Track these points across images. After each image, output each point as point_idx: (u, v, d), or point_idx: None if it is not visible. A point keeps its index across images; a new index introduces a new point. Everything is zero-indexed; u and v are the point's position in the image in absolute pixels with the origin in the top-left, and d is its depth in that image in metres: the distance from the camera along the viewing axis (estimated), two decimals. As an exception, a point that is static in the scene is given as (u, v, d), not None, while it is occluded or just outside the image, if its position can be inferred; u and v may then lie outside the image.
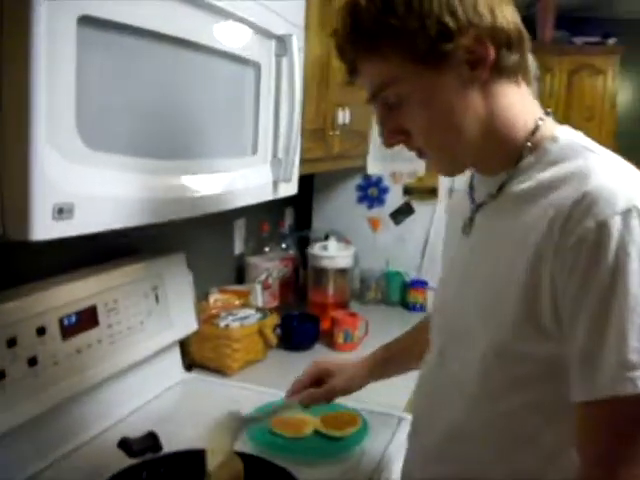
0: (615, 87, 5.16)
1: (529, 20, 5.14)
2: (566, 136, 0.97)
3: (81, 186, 0.89)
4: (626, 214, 0.80)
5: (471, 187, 1.09)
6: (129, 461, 1.28)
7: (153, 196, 1.05)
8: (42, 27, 0.79)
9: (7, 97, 0.80)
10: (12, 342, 1.26)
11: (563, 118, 4.90)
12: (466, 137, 0.95)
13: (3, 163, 0.81)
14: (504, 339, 0.92)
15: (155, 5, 1.00)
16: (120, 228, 0.98)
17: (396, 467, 1.50)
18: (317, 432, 1.55)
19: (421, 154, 1.00)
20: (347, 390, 1.41)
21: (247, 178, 1.37)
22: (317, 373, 1.43)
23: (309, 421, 1.57)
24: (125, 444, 1.30)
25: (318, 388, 1.40)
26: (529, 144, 0.96)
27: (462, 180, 1.16)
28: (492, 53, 0.90)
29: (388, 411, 1.70)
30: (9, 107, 0.80)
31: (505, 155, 0.97)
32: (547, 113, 1.01)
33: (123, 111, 0.99)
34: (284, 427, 1.54)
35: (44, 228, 0.83)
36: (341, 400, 1.56)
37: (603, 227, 0.80)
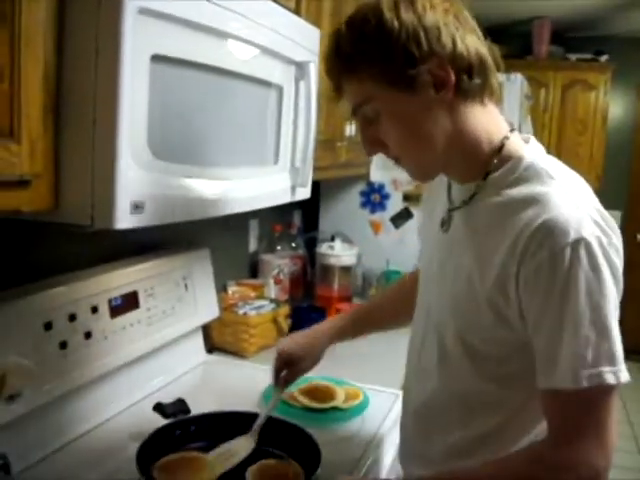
0: (606, 102, 5.41)
1: (526, 36, 5.40)
2: (531, 156, 1.12)
3: (149, 188, 1.13)
4: (574, 245, 0.98)
5: (449, 186, 1.25)
6: (163, 421, 1.50)
7: (200, 196, 1.29)
8: (127, 63, 1.03)
9: (100, 119, 1.04)
10: (72, 317, 1.50)
11: (557, 131, 5.10)
12: (434, 150, 1.10)
13: (94, 169, 1.06)
14: (472, 322, 1.14)
15: (204, 42, 1.25)
16: (176, 221, 1.22)
17: (392, 435, 1.75)
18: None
19: (397, 162, 1.16)
20: (312, 367, 1.61)
21: (270, 183, 1.61)
22: (284, 360, 1.57)
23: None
24: (159, 407, 1.54)
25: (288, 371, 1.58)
26: (495, 161, 1.11)
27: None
28: (453, 78, 1.04)
29: (386, 389, 1.94)
30: (101, 126, 1.04)
31: (472, 168, 1.14)
32: (512, 130, 1.15)
33: (178, 128, 1.24)
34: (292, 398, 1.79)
35: (124, 219, 1.08)
36: (347, 379, 1.82)
37: (556, 256, 0.99)
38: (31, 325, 1.39)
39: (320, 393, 1.80)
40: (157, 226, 1.19)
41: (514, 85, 3.25)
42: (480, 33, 1.10)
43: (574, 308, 0.99)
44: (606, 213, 1.06)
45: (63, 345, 1.46)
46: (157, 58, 1.12)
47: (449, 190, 1.25)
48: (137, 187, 1.10)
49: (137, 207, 1.09)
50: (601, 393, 1.01)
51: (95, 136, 1.05)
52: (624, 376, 1.00)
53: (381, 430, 1.71)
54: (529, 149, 1.15)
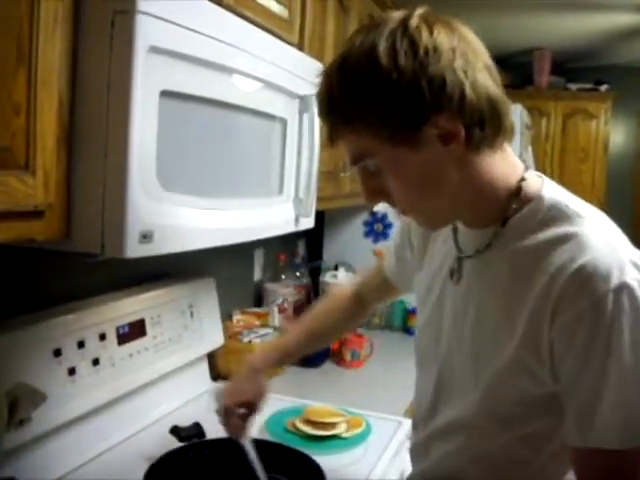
0: (607, 130, 5.47)
1: (526, 67, 5.47)
2: (551, 195, 1.00)
3: (158, 218, 1.17)
4: (617, 291, 0.87)
5: (454, 229, 1.12)
6: (179, 444, 1.54)
7: (207, 226, 1.33)
8: (138, 98, 1.08)
9: (111, 152, 1.09)
10: (81, 344, 1.53)
11: (559, 159, 5.16)
12: (443, 203, 0.99)
13: (104, 200, 1.10)
14: (499, 386, 1.01)
15: (211, 78, 1.30)
16: (184, 250, 1.26)
17: (395, 462, 1.76)
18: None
19: (404, 214, 1.04)
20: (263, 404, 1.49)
21: (275, 214, 1.66)
22: (237, 414, 1.45)
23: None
24: (176, 431, 1.57)
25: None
26: (514, 206, 0.99)
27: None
28: (462, 132, 0.91)
29: (389, 416, 1.95)
30: (112, 159, 1.09)
31: (489, 215, 1.01)
32: (526, 168, 1.04)
33: (185, 160, 1.28)
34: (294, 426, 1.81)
35: (133, 249, 1.12)
36: (349, 407, 1.84)
37: (598, 305, 0.88)
38: (41, 351, 1.43)
39: (322, 421, 1.82)
40: (164, 255, 1.23)
41: (514, 116, 3.30)
42: (490, 62, 0.96)
43: (618, 362, 0.88)
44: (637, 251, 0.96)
45: (72, 371, 1.50)
46: (166, 93, 1.16)
47: (455, 235, 1.12)
48: (146, 217, 1.14)
49: (146, 237, 1.13)
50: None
51: (106, 168, 1.09)
52: None
53: (383, 457, 1.72)
54: (547, 187, 1.03)
